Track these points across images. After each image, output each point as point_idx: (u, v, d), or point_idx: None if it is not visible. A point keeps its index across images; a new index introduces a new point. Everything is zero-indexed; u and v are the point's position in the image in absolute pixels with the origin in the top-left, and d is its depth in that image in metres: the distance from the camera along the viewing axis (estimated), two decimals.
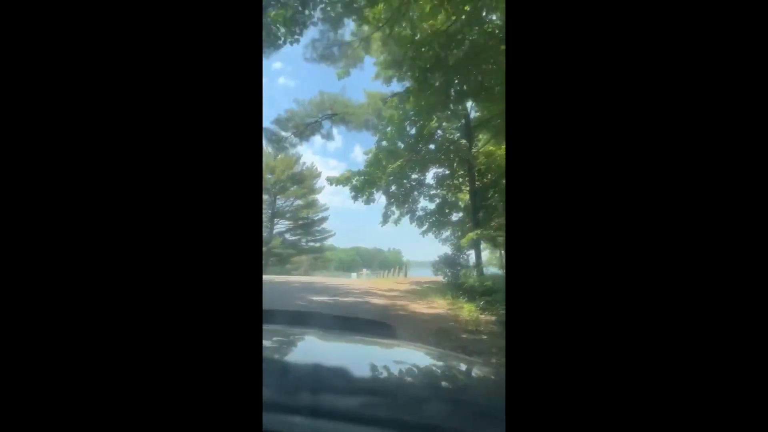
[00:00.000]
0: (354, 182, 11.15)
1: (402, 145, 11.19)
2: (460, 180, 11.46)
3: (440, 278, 11.00)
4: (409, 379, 0.72)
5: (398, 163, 10.33)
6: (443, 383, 0.76)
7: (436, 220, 11.92)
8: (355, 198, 11.25)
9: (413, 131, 11.02)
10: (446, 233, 12.15)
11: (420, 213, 12.11)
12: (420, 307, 7.15)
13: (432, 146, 11.13)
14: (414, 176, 11.62)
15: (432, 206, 12.14)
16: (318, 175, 37.80)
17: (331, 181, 11.42)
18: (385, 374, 0.72)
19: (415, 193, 11.94)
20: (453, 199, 11.75)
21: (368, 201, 11.24)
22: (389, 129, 10.96)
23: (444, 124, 11.00)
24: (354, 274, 29.18)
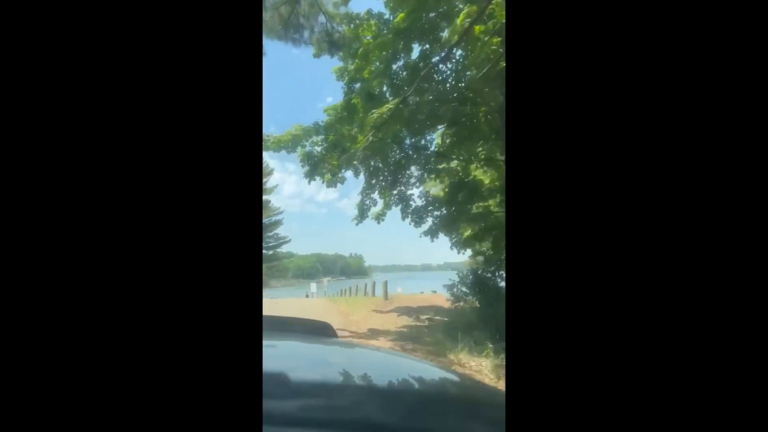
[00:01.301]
0: (307, 147, 6.38)
1: (388, 90, 6.65)
2: (484, 146, 6.96)
3: (439, 296, 7.54)
4: (350, 378, 0.73)
5: (380, 110, 5.72)
6: (386, 381, 0.77)
7: (446, 214, 7.23)
8: (309, 176, 6.47)
9: (402, 63, 6.53)
10: (465, 234, 7.52)
11: (418, 203, 7.43)
12: None
13: (430, 97, 6.57)
14: (408, 141, 7.02)
15: (439, 190, 7.53)
16: (270, 173, 33.35)
17: (269, 143, 6.47)
18: (326, 374, 0.73)
19: (412, 169, 7.23)
20: (473, 177, 7.18)
21: (333, 182, 6.54)
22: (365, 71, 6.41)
23: (458, 54, 6.52)
24: (313, 284, 26.14)
